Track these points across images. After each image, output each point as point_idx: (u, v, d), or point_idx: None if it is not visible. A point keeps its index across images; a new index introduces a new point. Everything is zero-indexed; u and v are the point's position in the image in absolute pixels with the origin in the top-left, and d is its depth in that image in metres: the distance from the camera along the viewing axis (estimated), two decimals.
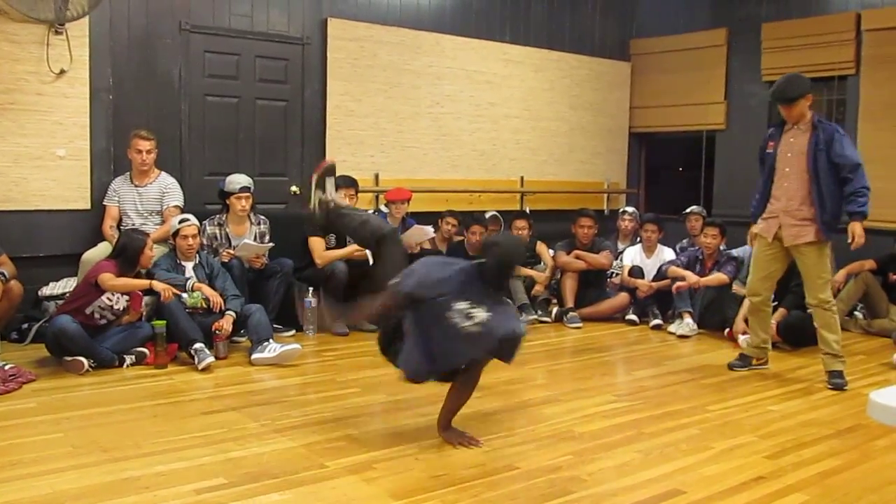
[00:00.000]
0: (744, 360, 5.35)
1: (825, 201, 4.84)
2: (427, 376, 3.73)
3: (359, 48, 7.29)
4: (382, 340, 3.90)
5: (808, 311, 5.16)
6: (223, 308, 5.29)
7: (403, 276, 3.59)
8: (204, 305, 5.38)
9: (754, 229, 5.24)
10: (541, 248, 7.36)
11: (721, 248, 6.86)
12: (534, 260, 7.35)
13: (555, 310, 6.99)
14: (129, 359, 4.97)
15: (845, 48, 7.70)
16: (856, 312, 6.87)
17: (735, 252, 6.90)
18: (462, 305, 3.50)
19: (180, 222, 5.46)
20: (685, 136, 9.38)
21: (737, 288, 6.55)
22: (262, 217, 6.14)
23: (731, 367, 5.35)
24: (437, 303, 3.51)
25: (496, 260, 3.61)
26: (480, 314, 3.50)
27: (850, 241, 4.81)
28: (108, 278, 4.89)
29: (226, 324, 5.23)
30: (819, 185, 4.84)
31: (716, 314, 6.53)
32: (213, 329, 5.16)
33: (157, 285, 5.04)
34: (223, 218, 5.98)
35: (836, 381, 4.92)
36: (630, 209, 8.01)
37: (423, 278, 3.58)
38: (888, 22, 7.43)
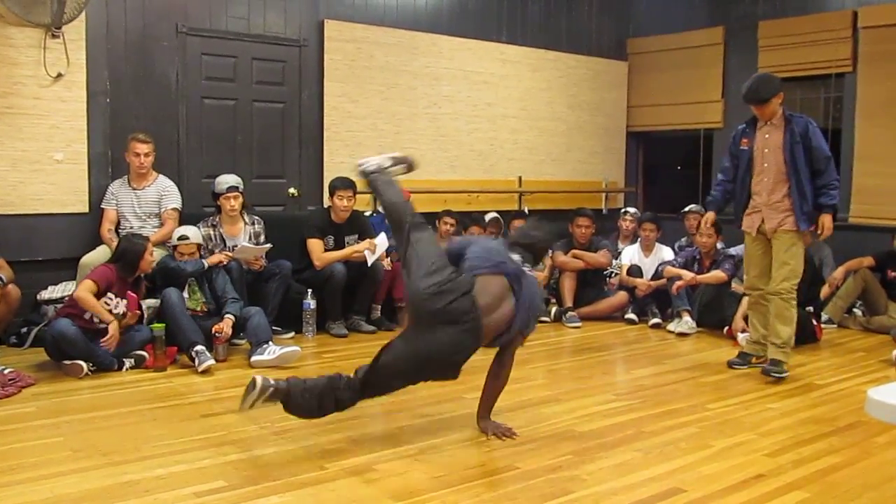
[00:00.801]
0: (743, 359, 5.35)
1: (805, 192, 4.96)
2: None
3: (356, 49, 7.29)
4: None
5: (805, 308, 5.17)
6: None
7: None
8: (204, 308, 5.39)
9: (709, 216, 5.52)
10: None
11: (718, 246, 6.86)
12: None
13: (554, 309, 6.99)
14: (128, 362, 4.97)
15: (842, 46, 7.71)
16: (854, 309, 6.88)
17: (733, 250, 6.90)
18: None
19: (179, 238, 5.46)
20: (683, 135, 9.38)
21: (735, 286, 6.55)
22: (256, 217, 6.15)
23: (730, 364, 5.35)
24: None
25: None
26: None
27: (819, 232, 5.00)
28: (85, 287, 4.85)
29: (225, 326, 5.23)
30: (798, 177, 4.96)
31: (715, 312, 6.54)
32: (213, 332, 5.17)
33: (113, 328, 4.87)
34: (216, 219, 5.98)
35: (774, 369, 4.97)
36: (631, 210, 8.02)
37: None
38: (885, 19, 7.44)
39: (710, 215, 5.55)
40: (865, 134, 7.57)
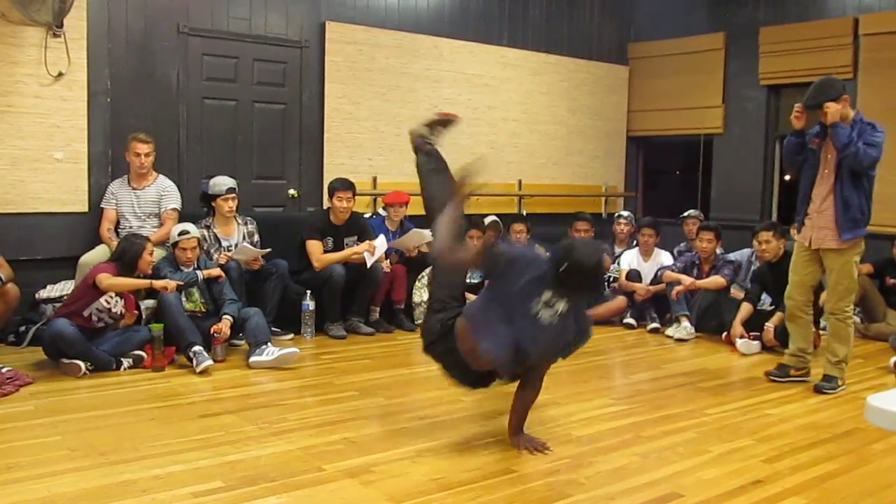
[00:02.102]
0: (782, 370, 5.18)
1: (849, 202, 4.76)
2: (510, 365, 3.57)
3: (357, 51, 7.29)
4: (427, 338, 3.81)
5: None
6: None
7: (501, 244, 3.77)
8: (202, 309, 5.39)
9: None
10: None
11: (718, 251, 6.87)
12: None
13: None
14: (126, 362, 4.96)
15: (843, 52, 7.72)
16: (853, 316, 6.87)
17: (732, 256, 6.90)
18: (546, 296, 3.51)
19: (180, 234, 5.45)
20: (683, 140, 9.39)
21: (734, 292, 6.56)
22: (248, 217, 6.17)
23: (768, 375, 5.20)
24: (523, 285, 3.52)
25: (567, 265, 3.43)
26: (560, 305, 3.51)
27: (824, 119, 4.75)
28: (105, 277, 4.89)
29: (224, 327, 5.23)
30: (842, 185, 4.77)
31: (713, 318, 6.54)
32: (212, 332, 5.16)
33: (158, 283, 5.05)
34: (209, 220, 5.98)
35: (827, 385, 4.91)
36: (625, 213, 8.02)
37: (520, 253, 3.83)
38: (885, 26, 7.45)
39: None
40: None
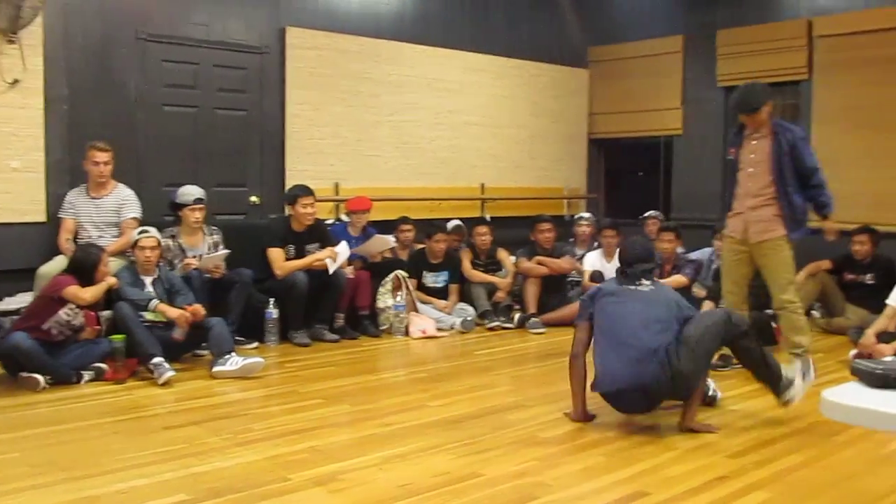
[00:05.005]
0: (725, 361, 5.27)
1: (792, 201, 5.01)
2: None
3: (318, 57, 7.27)
4: None
5: (765, 311, 5.22)
6: (190, 321, 5.17)
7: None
8: (164, 319, 5.31)
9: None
10: (502, 254, 7.39)
11: (679, 251, 6.93)
12: (495, 266, 7.37)
13: (517, 316, 7.00)
14: (87, 375, 4.88)
15: (798, 54, 7.85)
16: (813, 311, 6.98)
17: (693, 255, 6.97)
18: None
19: (140, 233, 5.38)
20: (643, 142, 9.48)
21: (696, 290, 6.62)
22: (214, 227, 6.11)
23: (713, 367, 5.32)
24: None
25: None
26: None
27: (831, 237, 5.25)
28: (77, 290, 4.82)
29: (199, 308, 5.19)
30: (785, 185, 5.01)
31: None
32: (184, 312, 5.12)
33: (110, 279, 5.07)
34: (175, 230, 5.92)
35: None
36: (586, 215, 8.07)
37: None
38: (839, 28, 7.59)
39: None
40: (821, 140, 7.69)
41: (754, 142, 5.11)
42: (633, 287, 4.16)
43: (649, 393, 3.93)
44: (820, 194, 5.07)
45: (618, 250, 4.45)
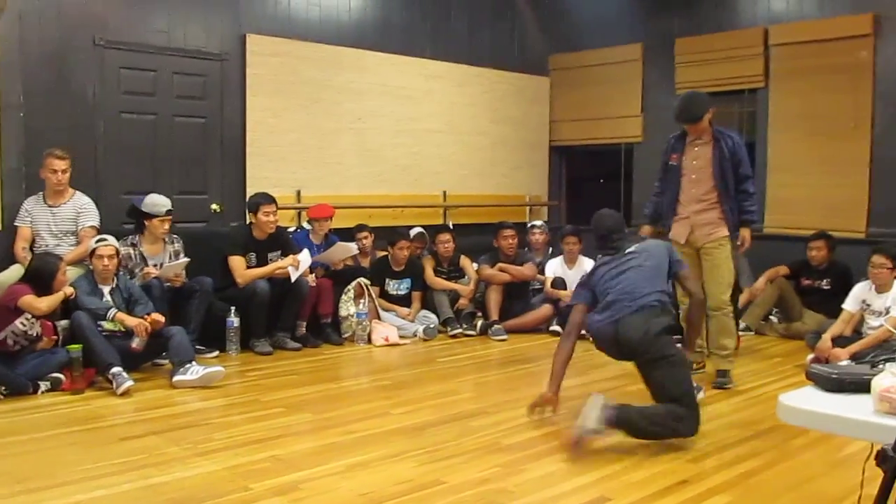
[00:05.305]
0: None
1: (733, 205, 5.18)
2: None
3: (279, 64, 7.23)
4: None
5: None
6: (149, 330, 5.12)
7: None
8: (123, 328, 5.24)
9: (646, 230, 5.54)
10: (464, 261, 7.41)
11: None
12: (458, 274, 7.38)
13: (480, 323, 7.01)
14: (43, 385, 4.80)
15: (754, 62, 7.97)
16: (771, 317, 7.08)
17: None
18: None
19: (97, 241, 5.31)
20: (604, 149, 9.55)
21: None
22: (175, 235, 6.05)
23: None
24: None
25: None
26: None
27: (740, 244, 5.26)
28: (33, 300, 4.74)
29: (158, 317, 5.14)
30: (727, 192, 5.16)
31: None
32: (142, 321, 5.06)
33: (67, 289, 5.00)
34: (136, 238, 5.85)
35: (722, 381, 5.15)
36: (538, 223, 8.12)
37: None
38: (794, 37, 7.72)
39: (647, 228, 5.61)
40: (778, 147, 7.83)
41: (696, 148, 5.24)
42: (625, 257, 4.34)
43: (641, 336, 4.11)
44: (749, 201, 5.23)
45: (593, 226, 4.61)
